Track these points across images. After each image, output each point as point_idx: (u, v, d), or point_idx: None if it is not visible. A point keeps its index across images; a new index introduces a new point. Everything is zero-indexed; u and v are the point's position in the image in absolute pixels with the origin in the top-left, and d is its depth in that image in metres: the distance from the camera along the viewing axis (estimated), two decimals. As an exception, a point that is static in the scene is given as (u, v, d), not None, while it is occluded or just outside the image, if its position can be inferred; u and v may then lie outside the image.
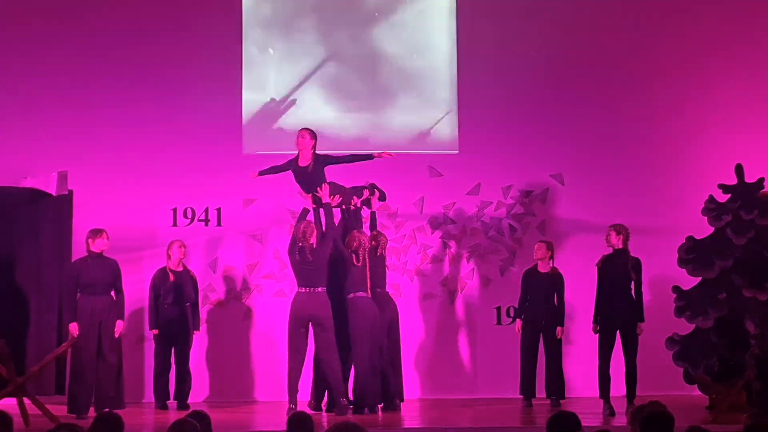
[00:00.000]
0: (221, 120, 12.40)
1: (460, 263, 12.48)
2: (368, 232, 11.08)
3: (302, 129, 11.01)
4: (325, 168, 10.90)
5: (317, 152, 10.87)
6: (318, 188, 10.77)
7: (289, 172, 10.98)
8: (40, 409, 9.94)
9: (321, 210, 10.85)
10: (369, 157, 10.99)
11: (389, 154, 11.09)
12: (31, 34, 12.33)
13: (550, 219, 12.51)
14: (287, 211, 11.98)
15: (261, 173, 11.11)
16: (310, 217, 10.88)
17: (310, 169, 10.82)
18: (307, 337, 10.69)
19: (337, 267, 10.78)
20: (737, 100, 12.60)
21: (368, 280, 10.70)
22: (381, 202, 11.45)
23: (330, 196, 10.77)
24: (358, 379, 10.61)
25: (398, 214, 12.39)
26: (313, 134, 10.90)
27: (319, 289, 10.61)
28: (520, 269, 11.94)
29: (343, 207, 11.04)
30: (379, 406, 10.79)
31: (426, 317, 12.40)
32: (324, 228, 10.77)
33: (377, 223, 11.40)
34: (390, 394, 10.87)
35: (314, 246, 10.64)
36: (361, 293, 10.67)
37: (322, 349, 10.62)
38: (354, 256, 10.71)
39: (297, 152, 10.92)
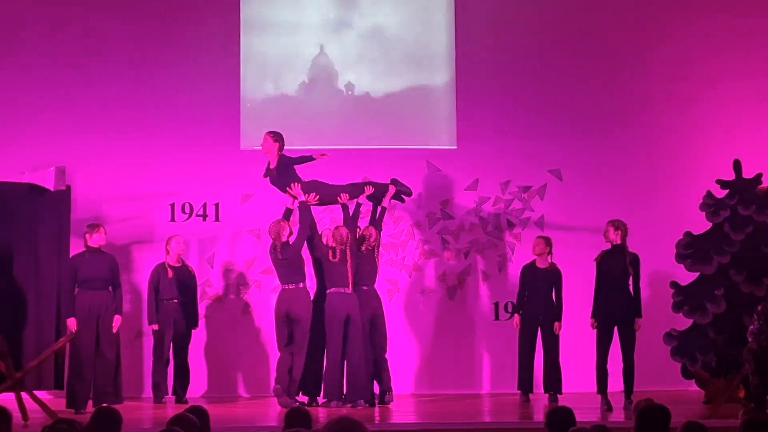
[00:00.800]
0: (219, 115, 12.39)
1: (458, 259, 12.48)
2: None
3: (266, 133, 11.02)
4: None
5: (283, 153, 10.91)
6: (288, 188, 10.82)
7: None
8: (38, 404, 9.95)
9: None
10: (311, 158, 10.96)
11: (323, 154, 11.04)
12: (29, 29, 12.30)
13: (548, 215, 12.51)
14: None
15: (265, 176, 11.14)
16: (295, 215, 10.93)
17: (276, 171, 10.87)
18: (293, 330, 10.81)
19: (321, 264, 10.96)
20: (736, 95, 12.58)
21: (350, 276, 10.74)
22: (408, 197, 11.47)
23: (305, 194, 10.80)
24: (325, 373, 10.79)
25: (396, 210, 12.38)
26: (276, 137, 10.92)
27: (300, 285, 10.77)
28: (518, 265, 11.93)
29: (340, 203, 11.05)
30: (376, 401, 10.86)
31: (424, 312, 12.39)
32: (299, 225, 10.84)
33: (381, 219, 11.38)
34: (381, 390, 10.92)
35: (289, 244, 10.74)
36: (335, 289, 10.75)
37: (294, 343, 10.77)
38: (330, 252, 10.75)
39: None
